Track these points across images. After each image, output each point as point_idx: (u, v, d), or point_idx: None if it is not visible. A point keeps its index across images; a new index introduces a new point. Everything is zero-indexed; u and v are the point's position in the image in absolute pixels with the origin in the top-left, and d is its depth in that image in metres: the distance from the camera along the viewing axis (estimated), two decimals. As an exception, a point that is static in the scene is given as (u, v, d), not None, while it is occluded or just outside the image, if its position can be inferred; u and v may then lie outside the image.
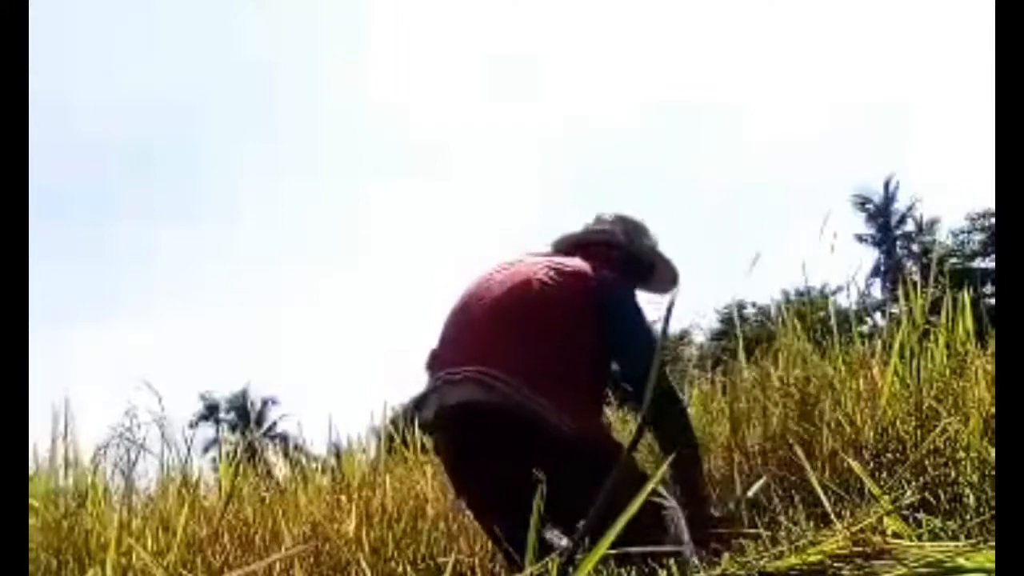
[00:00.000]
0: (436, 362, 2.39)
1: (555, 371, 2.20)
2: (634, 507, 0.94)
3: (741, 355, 3.31)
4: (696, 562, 1.84)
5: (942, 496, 2.10)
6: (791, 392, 2.98)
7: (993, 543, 0.94)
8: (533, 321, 2.26)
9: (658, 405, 2.25)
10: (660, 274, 2.65)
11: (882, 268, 33.64)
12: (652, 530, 1.97)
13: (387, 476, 3.36)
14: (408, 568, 2.82)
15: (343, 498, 3.28)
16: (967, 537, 1.12)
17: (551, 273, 2.34)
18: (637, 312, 2.36)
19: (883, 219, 35.17)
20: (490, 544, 2.92)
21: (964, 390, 2.62)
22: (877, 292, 31.13)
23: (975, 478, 2.17)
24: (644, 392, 2.26)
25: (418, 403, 2.39)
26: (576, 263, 2.40)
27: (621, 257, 2.55)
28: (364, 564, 2.74)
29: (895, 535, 1.09)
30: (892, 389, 2.76)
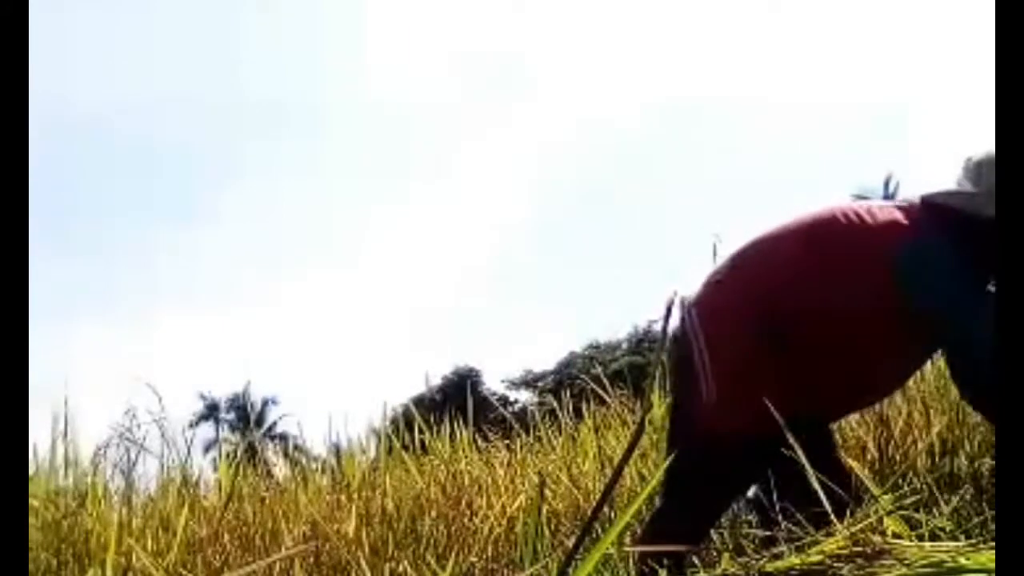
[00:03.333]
0: None
1: (756, 327, 2.02)
2: (636, 505, 0.94)
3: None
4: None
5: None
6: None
7: (993, 543, 0.94)
8: (771, 266, 2.10)
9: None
10: None
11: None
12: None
13: (387, 476, 3.36)
14: (408, 568, 2.82)
15: (343, 498, 3.28)
16: (967, 537, 1.12)
17: (847, 217, 2.07)
18: (951, 288, 1.97)
19: (883, 219, 35.14)
20: (489, 545, 2.93)
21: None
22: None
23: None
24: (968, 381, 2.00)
25: None
26: (890, 215, 2.07)
27: (966, 229, 2.04)
28: (364, 564, 2.73)
29: (895, 535, 1.09)
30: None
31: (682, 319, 2.14)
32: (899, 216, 2.06)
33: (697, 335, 2.07)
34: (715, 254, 2.58)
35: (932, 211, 2.09)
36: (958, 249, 2.00)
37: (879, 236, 2.03)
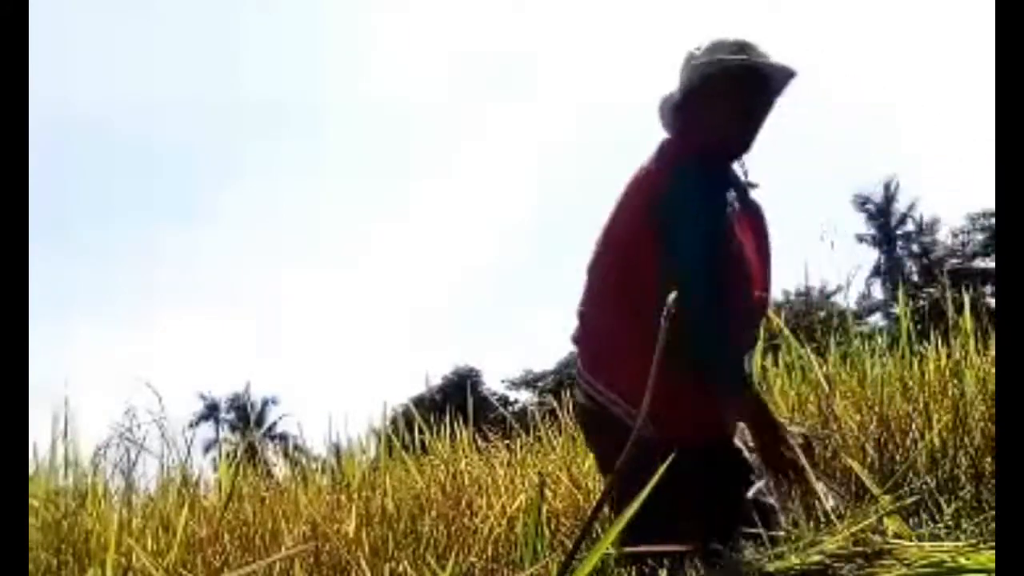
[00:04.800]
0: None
1: (632, 349, 1.78)
2: (634, 507, 0.93)
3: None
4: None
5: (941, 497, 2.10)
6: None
7: (993, 543, 0.94)
8: (604, 292, 1.98)
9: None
10: (752, 85, 1.93)
11: (882, 268, 33.67)
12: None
13: (387, 476, 3.36)
14: (408, 568, 2.82)
15: (343, 498, 3.29)
16: (966, 536, 1.12)
17: (619, 206, 1.96)
18: (688, 200, 1.83)
19: (883, 219, 35.21)
20: (489, 545, 2.93)
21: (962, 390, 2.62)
22: (877, 292, 31.22)
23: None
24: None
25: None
26: (635, 175, 1.95)
27: (682, 122, 1.96)
28: (364, 564, 2.73)
29: (895, 535, 1.09)
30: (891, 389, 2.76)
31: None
32: (637, 174, 1.96)
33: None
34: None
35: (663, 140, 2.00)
36: (680, 151, 1.91)
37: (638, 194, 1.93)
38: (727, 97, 1.91)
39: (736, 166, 1.99)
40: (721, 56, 1.91)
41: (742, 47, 1.92)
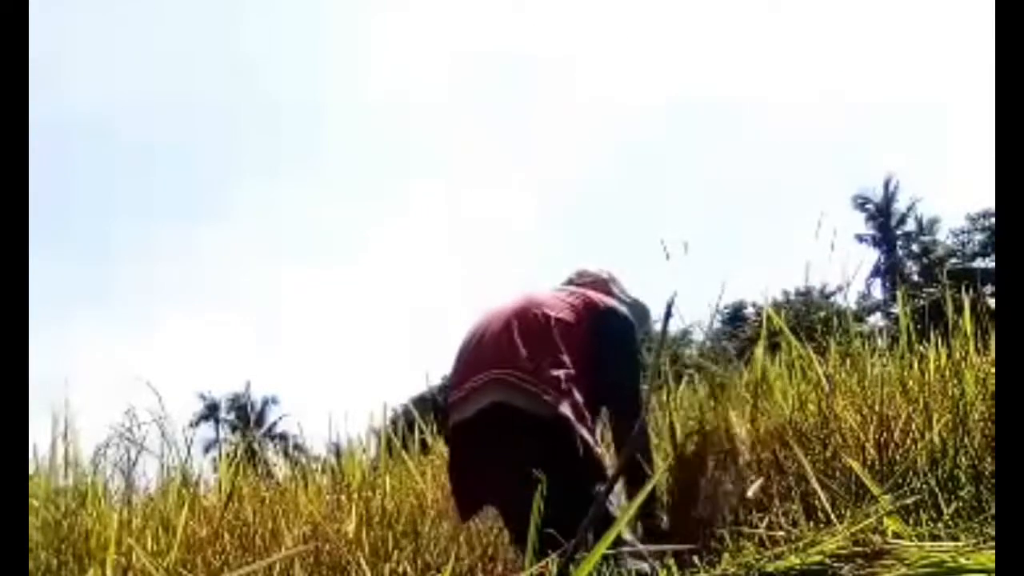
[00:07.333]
0: (456, 378, 2.54)
1: (559, 374, 2.39)
2: (625, 517, 0.94)
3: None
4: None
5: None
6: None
7: (993, 543, 0.94)
8: (543, 332, 2.48)
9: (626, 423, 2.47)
10: (642, 317, 2.89)
11: (882, 268, 33.68)
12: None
13: (387, 476, 3.36)
14: (408, 568, 2.82)
15: (343, 498, 3.28)
16: (966, 536, 1.12)
17: (563, 297, 2.63)
18: (629, 341, 2.59)
19: (883, 219, 35.22)
20: (489, 545, 2.92)
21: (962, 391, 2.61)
22: (877, 292, 31.23)
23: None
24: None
25: (448, 409, 2.52)
26: (585, 292, 2.67)
27: (617, 297, 2.77)
28: (364, 564, 2.73)
29: (895, 535, 1.09)
30: (891, 389, 2.76)
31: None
32: (586, 293, 2.69)
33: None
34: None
35: (594, 287, 2.76)
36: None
37: (579, 307, 2.62)
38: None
39: None
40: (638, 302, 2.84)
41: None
